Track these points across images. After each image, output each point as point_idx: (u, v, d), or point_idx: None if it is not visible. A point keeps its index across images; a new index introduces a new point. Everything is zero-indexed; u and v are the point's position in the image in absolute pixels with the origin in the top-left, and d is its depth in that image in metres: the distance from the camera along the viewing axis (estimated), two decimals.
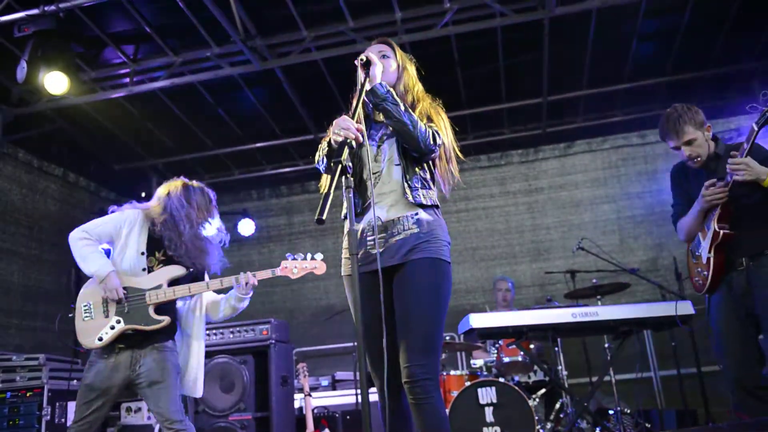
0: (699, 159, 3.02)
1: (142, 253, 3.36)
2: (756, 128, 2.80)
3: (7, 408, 5.19)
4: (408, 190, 2.41)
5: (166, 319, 3.25)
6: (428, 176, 2.53)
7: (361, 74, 2.47)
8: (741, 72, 6.48)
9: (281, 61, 5.72)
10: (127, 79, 5.96)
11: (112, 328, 3.26)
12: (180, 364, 3.37)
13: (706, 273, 2.96)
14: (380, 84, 2.39)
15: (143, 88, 5.96)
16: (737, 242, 2.87)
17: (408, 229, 2.39)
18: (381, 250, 2.39)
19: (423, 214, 2.42)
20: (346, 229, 2.46)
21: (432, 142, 2.42)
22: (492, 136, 7.53)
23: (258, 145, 7.42)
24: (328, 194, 1.98)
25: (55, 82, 4.80)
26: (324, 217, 1.95)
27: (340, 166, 2.04)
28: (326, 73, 6.07)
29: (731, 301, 2.90)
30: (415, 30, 5.50)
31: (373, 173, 2.48)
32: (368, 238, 2.43)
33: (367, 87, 2.38)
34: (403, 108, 2.39)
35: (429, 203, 2.44)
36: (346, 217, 2.47)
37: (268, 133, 7.23)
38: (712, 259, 2.91)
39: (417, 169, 2.47)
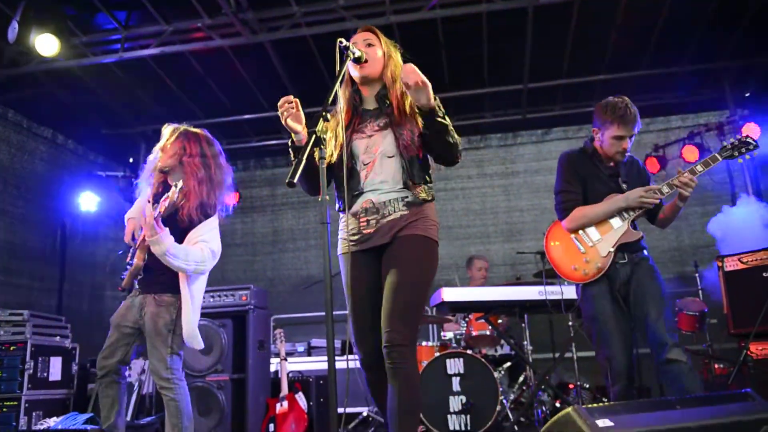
0: (624, 155, 3.06)
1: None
2: (719, 158, 2.95)
3: None
4: (406, 181, 2.42)
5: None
6: (424, 164, 2.51)
7: (348, 64, 2.43)
8: (713, 70, 6.54)
9: (271, 35, 5.65)
10: (118, 45, 5.85)
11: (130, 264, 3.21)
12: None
13: (599, 265, 2.94)
14: (438, 106, 2.37)
15: (134, 55, 5.86)
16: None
17: (398, 210, 2.41)
18: (372, 230, 2.42)
19: (412, 197, 2.43)
20: (341, 218, 2.51)
21: (458, 153, 2.47)
22: (473, 120, 7.53)
23: (245, 117, 7.35)
24: (300, 160, 1.98)
25: (46, 44, 4.71)
26: (295, 181, 1.95)
27: (314, 136, 2.04)
28: (315, 48, 6.01)
29: (612, 291, 2.94)
30: (402, 11, 5.45)
31: (365, 164, 2.47)
32: (362, 219, 2.44)
33: (424, 103, 2.32)
34: (450, 128, 2.40)
35: (429, 198, 2.47)
36: (340, 210, 2.52)
37: (256, 106, 7.16)
38: (612, 253, 2.94)
39: (414, 161, 2.45)
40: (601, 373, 2.95)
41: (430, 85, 2.30)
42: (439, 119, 2.35)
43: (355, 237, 2.46)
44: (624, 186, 3.05)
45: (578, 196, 3.08)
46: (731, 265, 4.74)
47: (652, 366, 3.78)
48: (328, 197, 2.03)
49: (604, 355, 2.88)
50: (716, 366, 4.93)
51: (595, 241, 3.00)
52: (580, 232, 3.06)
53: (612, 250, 2.95)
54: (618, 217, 3.00)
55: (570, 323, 5.19)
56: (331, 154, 2.49)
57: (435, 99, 2.35)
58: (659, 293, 2.89)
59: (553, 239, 3.21)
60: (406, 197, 2.43)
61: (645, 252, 3.03)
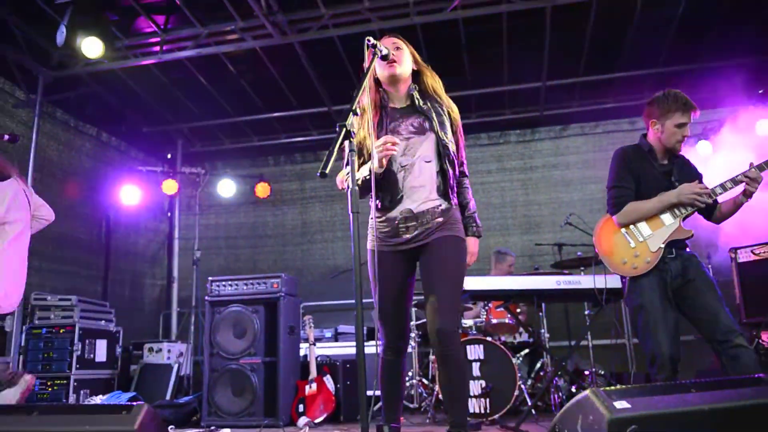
0: (682, 144, 3.01)
1: None
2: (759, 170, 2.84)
3: (42, 342, 5.32)
4: (441, 185, 2.52)
5: None
6: (456, 169, 2.60)
7: (368, 55, 2.45)
8: (729, 66, 6.40)
9: (300, 36, 5.67)
10: (157, 48, 5.93)
11: None
12: None
13: (649, 260, 2.90)
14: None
15: (172, 57, 5.93)
16: None
17: (434, 218, 2.49)
18: (410, 236, 2.50)
19: (446, 204, 2.52)
20: (374, 213, 2.56)
21: None
22: (493, 116, 7.49)
23: (276, 114, 7.40)
24: (331, 152, 2.01)
25: (91, 47, 4.79)
26: (327, 171, 1.97)
27: (344, 129, 2.06)
28: (342, 49, 6.02)
29: (664, 283, 2.89)
30: (426, 12, 5.42)
31: (402, 166, 2.50)
32: (400, 226, 2.50)
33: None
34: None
35: (456, 201, 2.58)
36: (377, 208, 2.56)
37: (286, 104, 7.19)
38: (662, 249, 2.89)
39: (450, 168, 2.52)
40: (646, 362, 2.89)
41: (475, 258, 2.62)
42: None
43: (392, 239, 2.52)
44: (676, 184, 2.97)
45: (631, 191, 3.01)
46: (744, 256, 4.67)
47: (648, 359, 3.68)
48: (357, 188, 2.05)
49: (650, 346, 2.84)
50: None
51: (645, 236, 2.95)
52: (631, 226, 3.00)
53: (662, 246, 2.89)
54: (669, 213, 2.93)
55: (586, 312, 5.16)
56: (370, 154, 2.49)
57: (480, 228, 2.67)
58: (715, 285, 2.86)
59: (604, 233, 3.12)
60: (441, 206, 2.51)
61: (688, 249, 2.98)
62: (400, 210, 2.50)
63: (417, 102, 2.56)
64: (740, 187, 2.88)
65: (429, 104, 2.57)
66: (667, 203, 2.92)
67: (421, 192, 2.49)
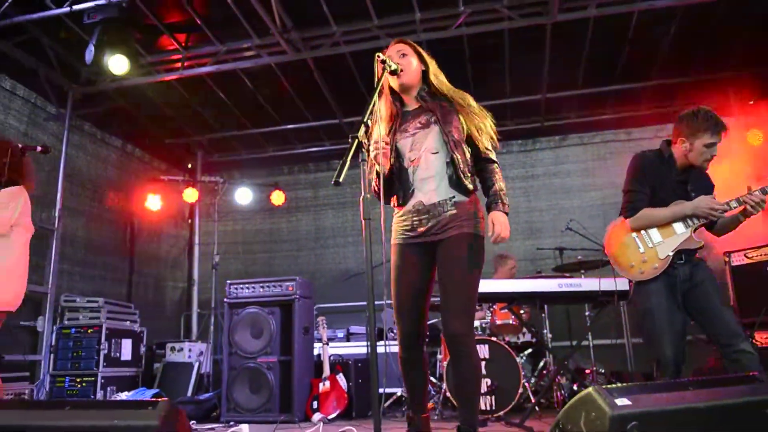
0: (708, 163, 2.92)
1: None
2: (762, 194, 2.77)
3: (72, 342, 5.36)
4: (452, 176, 2.43)
5: None
6: (468, 157, 2.49)
7: (378, 69, 2.44)
8: (718, 79, 6.38)
9: (313, 52, 5.70)
10: (179, 64, 5.98)
11: None
12: None
13: (656, 266, 2.83)
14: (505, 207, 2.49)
15: (192, 73, 5.97)
16: None
17: (447, 211, 2.41)
18: (424, 229, 2.43)
19: (459, 197, 2.43)
20: (396, 212, 2.54)
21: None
22: (495, 127, 7.47)
23: (290, 126, 7.43)
24: (344, 162, 2.02)
25: (118, 64, 4.83)
26: (341, 180, 1.98)
27: (356, 141, 2.07)
28: (352, 64, 6.05)
29: (672, 288, 2.82)
30: (431, 29, 5.44)
31: (411, 161, 2.48)
32: (414, 219, 2.45)
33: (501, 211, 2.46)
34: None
35: (471, 188, 2.46)
36: (395, 206, 2.54)
37: (300, 116, 7.22)
38: (670, 257, 2.82)
39: (458, 155, 2.44)
40: (652, 363, 2.86)
41: (508, 231, 2.44)
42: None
43: (409, 233, 2.47)
44: (692, 194, 2.89)
45: (646, 197, 2.92)
46: (737, 259, 4.63)
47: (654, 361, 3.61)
48: (369, 195, 2.05)
49: (655, 349, 2.77)
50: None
51: (655, 243, 2.87)
52: (643, 232, 2.92)
53: (671, 254, 2.82)
54: (682, 223, 2.86)
55: (587, 313, 5.14)
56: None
57: (506, 206, 2.50)
58: (719, 290, 2.81)
59: (615, 235, 3.05)
60: (453, 197, 2.43)
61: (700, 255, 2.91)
62: (413, 203, 2.45)
63: (424, 102, 2.55)
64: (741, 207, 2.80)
65: (436, 101, 2.54)
66: (682, 214, 2.84)
67: (430, 183, 2.43)
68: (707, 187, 2.97)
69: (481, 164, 2.54)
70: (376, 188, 2.46)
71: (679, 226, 2.86)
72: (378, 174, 2.40)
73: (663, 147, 3.02)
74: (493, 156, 2.55)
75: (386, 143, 2.34)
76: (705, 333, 2.79)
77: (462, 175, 2.42)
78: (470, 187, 2.45)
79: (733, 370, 2.60)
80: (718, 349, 2.71)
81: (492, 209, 2.44)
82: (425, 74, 2.59)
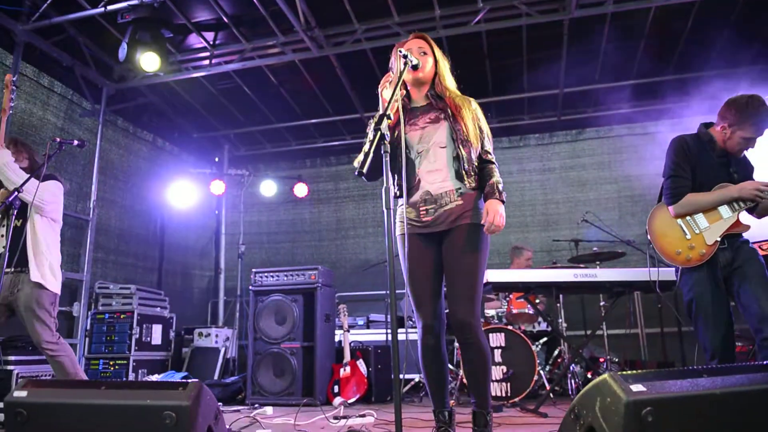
0: (743, 153, 2.82)
1: None
2: None
3: (105, 326, 5.46)
4: (459, 169, 2.43)
5: None
6: (473, 155, 2.48)
7: (400, 63, 2.42)
8: (731, 74, 6.21)
9: (336, 49, 5.71)
10: (207, 62, 6.04)
11: None
12: None
13: (704, 252, 2.70)
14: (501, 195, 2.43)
15: (219, 70, 6.02)
16: None
17: (453, 201, 2.42)
18: (431, 218, 2.44)
19: (465, 188, 2.44)
20: (399, 203, 2.53)
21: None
22: (513, 122, 7.43)
23: (313, 121, 7.46)
24: (368, 153, 2.01)
25: (149, 62, 4.88)
26: (364, 171, 1.97)
27: (379, 132, 2.07)
28: (373, 61, 6.04)
29: (714, 275, 2.71)
30: (451, 26, 5.41)
31: (418, 153, 2.48)
32: (421, 209, 2.46)
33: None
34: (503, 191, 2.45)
35: (474, 184, 2.45)
36: (398, 196, 2.52)
37: (322, 111, 7.25)
38: (717, 243, 2.70)
39: (464, 151, 2.45)
40: (701, 349, 2.75)
41: (503, 219, 2.35)
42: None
43: (416, 222, 2.47)
44: (735, 176, 2.77)
45: (689, 182, 2.78)
46: None
47: (678, 343, 3.56)
48: (392, 187, 2.05)
49: (701, 338, 2.70)
50: (737, 344, 4.73)
51: (702, 228, 2.74)
52: (688, 218, 2.78)
53: (718, 239, 2.70)
54: (728, 206, 2.73)
55: (601, 303, 5.09)
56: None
57: (502, 195, 2.42)
58: (762, 272, 2.66)
59: (658, 222, 2.87)
60: (459, 188, 2.44)
61: (744, 236, 2.78)
62: (420, 193, 2.46)
63: (433, 101, 2.56)
64: None
65: (444, 101, 2.54)
66: (728, 197, 2.71)
67: (437, 175, 2.44)
68: (748, 168, 2.86)
69: (481, 164, 2.53)
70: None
71: (725, 210, 2.74)
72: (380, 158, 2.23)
73: (701, 130, 2.90)
74: (493, 158, 2.54)
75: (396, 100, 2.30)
76: (744, 318, 2.67)
77: (466, 170, 2.44)
78: (474, 183, 2.46)
79: (760, 356, 2.49)
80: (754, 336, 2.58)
81: (488, 198, 2.40)
82: (438, 74, 2.59)
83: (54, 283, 3.21)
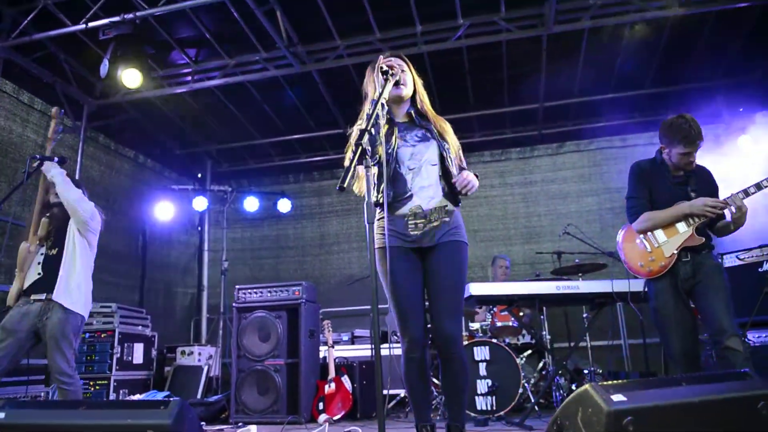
0: (692, 165, 3.03)
1: None
2: (744, 195, 2.87)
3: (86, 346, 5.36)
4: (445, 188, 2.50)
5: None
6: (455, 172, 2.55)
7: (380, 79, 2.45)
8: (709, 87, 6.40)
9: (318, 65, 5.75)
10: (189, 78, 6.04)
11: None
12: None
13: (663, 264, 2.96)
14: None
15: (202, 86, 6.03)
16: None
17: (441, 218, 2.47)
18: (419, 233, 2.45)
19: (451, 207, 2.51)
20: (380, 215, 2.50)
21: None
22: (494, 135, 7.51)
23: (296, 136, 7.47)
24: (349, 168, 2.02)
25: (131, 78, 4.87)
26: (345, 186, 1.98)
27: (360, 148, 2.08)
28: (355, 76, 6.09)
29: (676, 286, 2.94)
30: (432, 42, 5.48)
31: (410, 169, 2.51)
32: (410, 222, 2.47)
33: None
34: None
35: (458, 199, 2.54)
36: (380, 207, 2.49)
37: (305, 126, 7.27)
38: (675, 255, 2.95)
39: (453, 170, 2.52)
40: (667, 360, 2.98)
41: (476, 183, 2.44)
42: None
43: (401, 236, 2.48)
44: (692, 194, 3.01)
45: (645, 201, 3.08)
46: (730, 261, 4.62)
47: (660, 353, 3.69)
48: (374, 200, 2.05)
49: (665, 344, 2.91)
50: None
51: (661, 242, 3.01)
52: (649, 234, 3.06)
53: (675, 252, 2.95)
54: (684, 222, 2.98)
55: (584, 315, 5.13)
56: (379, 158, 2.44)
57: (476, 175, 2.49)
58: (722, 286, 2.88)
59: (625, 240, 3.22)
60: (446, 206, 2.49)
61: (711, 250, 3.00)
62: (410, 207, 2.48)
63: (416, 118, 2.61)
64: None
65: (427, 120, 2.60)
66: (681, 213, 2.97)
67: (428, 191, 2.49)
68: (710, 186, 3.07)
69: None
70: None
71: (681, 226, 2.98)
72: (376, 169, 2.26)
73: (657, 154, 3.16)
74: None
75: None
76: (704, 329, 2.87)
77: (453, 190, 2.51)
78: (458, 198, 2.54)
79: (720, 366, 2.68)
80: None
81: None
82: (417, 91, 2.66)
83: (82, 305, 3.25)
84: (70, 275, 3.21)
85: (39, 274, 3.20)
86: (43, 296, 3.16)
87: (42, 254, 3.28)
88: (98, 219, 3.40)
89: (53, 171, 3.29)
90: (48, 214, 3.34)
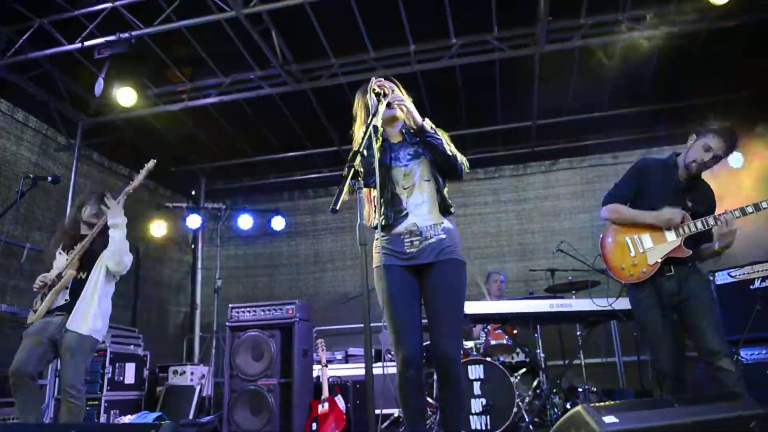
0: (698, 168, 2.93)
1: None
2: (741, 214, 2.77)
3: None
4: (441, 203, 2.51)
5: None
6: (446, 189, 2.59)
7: (373, 99, 2.46)
8: (698, 106, 6.47)
9: (312, 83, 5.79)
10: (184, 96, 6.06)
11: None
12: None
13: (645, 270, 2.86)
14: (431, 127, 2.49)
15: (197, 103, 6.06)
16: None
17: (437, 235, 2.47)
18: (416, 250, 2.45)
19: (447, 224, 2.51)
20: (378, 235, 2.53)
21: (465, 168, 2.57)
22: (488, 153, 7.56)
23: (290, 154, 7.50)
24: (341, 190, 2.03)
25: (126, 96, 4.89)
26: (337, 208, 1.98)
27: (352, 170, 2.09)
28: (350, 94, 6.11)
29: (660, 301, 2.84)
30: (425, 61, 5.54)
31: (404, 188, 2.53)
32: (406, 240, 2.47)
33: (419, 122, 2.48)
34: (445, 142, 2.50)
35: (453, 212, 2.55)
36: (375, 227, 2.53)
37: (299, 144, 7.30)
38: (658, 264, 2.85)
39: (445, 183, 2.55)
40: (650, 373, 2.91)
41: (412, 107, 2.46)
42: (431, 136, 2.48)
43: (398, 254, 2.48)
44: (689, 204, 2.90)
45: (623, 195, 3.04)
46: (721, 279, 4.63)
47: (651, 372, 3.65)
48: (366, 222, 2.05)
49: (652, 356, 2.84)
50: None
51: (647, 248, 2.90)
52: (635, 236, 2.95)
53: (659, 260, 2.85)
54: (674, 231, 2.87)
55: (578, 332, 5.12)
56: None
57: (424, 120, 2.50)
58: (710, 304, 2.80)
59: (608, 237, 3.09)
60: (442, 223, 2.50)
61: (695, 265, 2.91)
62: (406, 225, 2.49)
63: (407, 136, 2.64)
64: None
65: (417, 136, 2.60)
66: (641, 219, 2.92)
67: (424, 207, 2.50)
68: (710, 204, 2.97)
69: None
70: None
71: (670, 235, 2.88)
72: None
73: (670, 155, 3.06)
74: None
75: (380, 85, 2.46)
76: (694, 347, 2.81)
77: (448, 204, 2.53)
78: (453, 211, 2.55)
79: (714, 386, 2.62)
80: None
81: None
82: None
83: (97, 331, 3.42)
84: (88, 305, 3.40)
85: (66, 300, 3.42)
86: (63, 313, 3.38)
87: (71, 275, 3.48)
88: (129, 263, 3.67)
89: (119, 220, 3.64)
90: (89, 240, 3.55)
